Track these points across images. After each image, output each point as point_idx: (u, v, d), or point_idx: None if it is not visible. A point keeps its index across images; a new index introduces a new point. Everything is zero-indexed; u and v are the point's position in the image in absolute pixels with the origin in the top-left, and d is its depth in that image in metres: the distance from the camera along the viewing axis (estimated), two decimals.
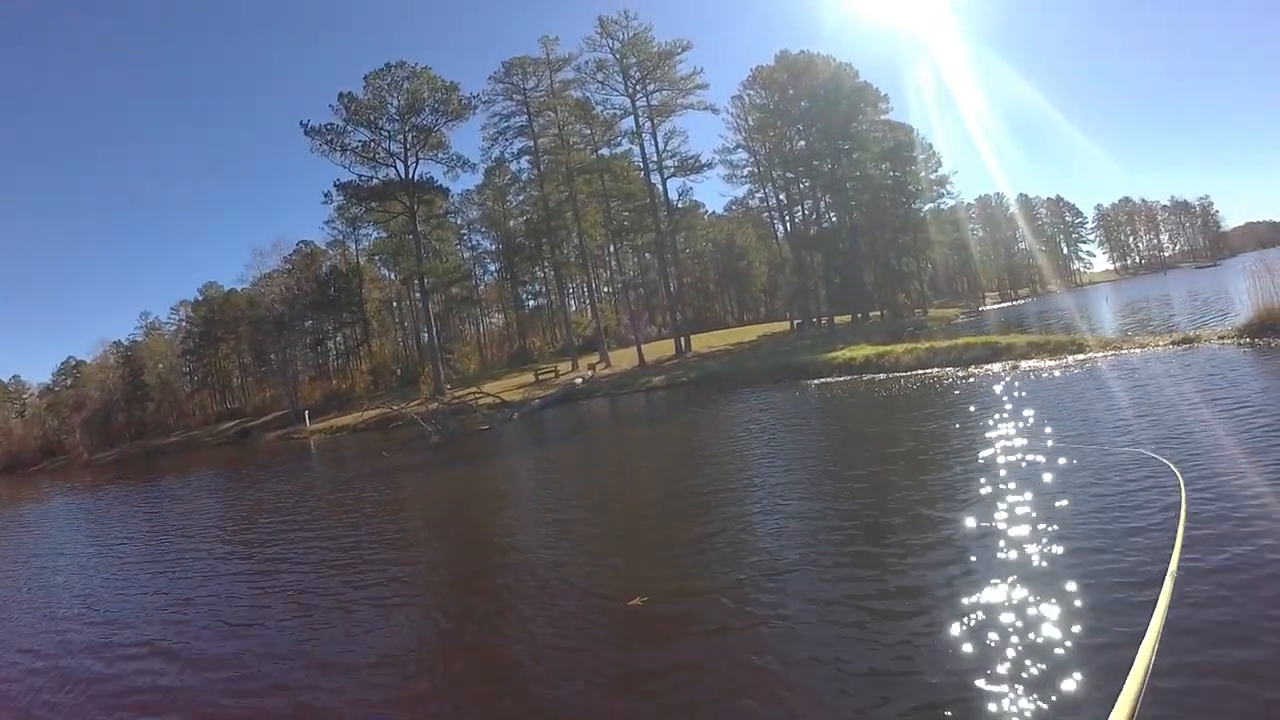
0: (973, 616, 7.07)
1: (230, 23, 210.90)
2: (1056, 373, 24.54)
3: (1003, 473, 12.42)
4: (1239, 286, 34.65)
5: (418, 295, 77.01)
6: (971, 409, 19.89)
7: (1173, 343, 26.37)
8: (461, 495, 21.58)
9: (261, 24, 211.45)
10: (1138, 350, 26.34)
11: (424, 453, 32.66)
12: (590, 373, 60.48)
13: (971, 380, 26.16)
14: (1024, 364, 27.75)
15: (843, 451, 18.12)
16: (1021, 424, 16.48)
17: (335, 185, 69.36)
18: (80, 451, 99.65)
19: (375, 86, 65.98)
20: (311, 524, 19.35)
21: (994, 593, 7.52)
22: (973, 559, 8.66)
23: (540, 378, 63.33)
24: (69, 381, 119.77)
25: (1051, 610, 6.89)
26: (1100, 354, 26.88)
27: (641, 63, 67.49)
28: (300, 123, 66.20)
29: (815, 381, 34.75)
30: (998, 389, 22.64)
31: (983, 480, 12.11)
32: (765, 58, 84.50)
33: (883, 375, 32.20)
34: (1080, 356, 27.03)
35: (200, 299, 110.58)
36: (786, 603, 8.38)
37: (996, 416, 17.86)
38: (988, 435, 15.81)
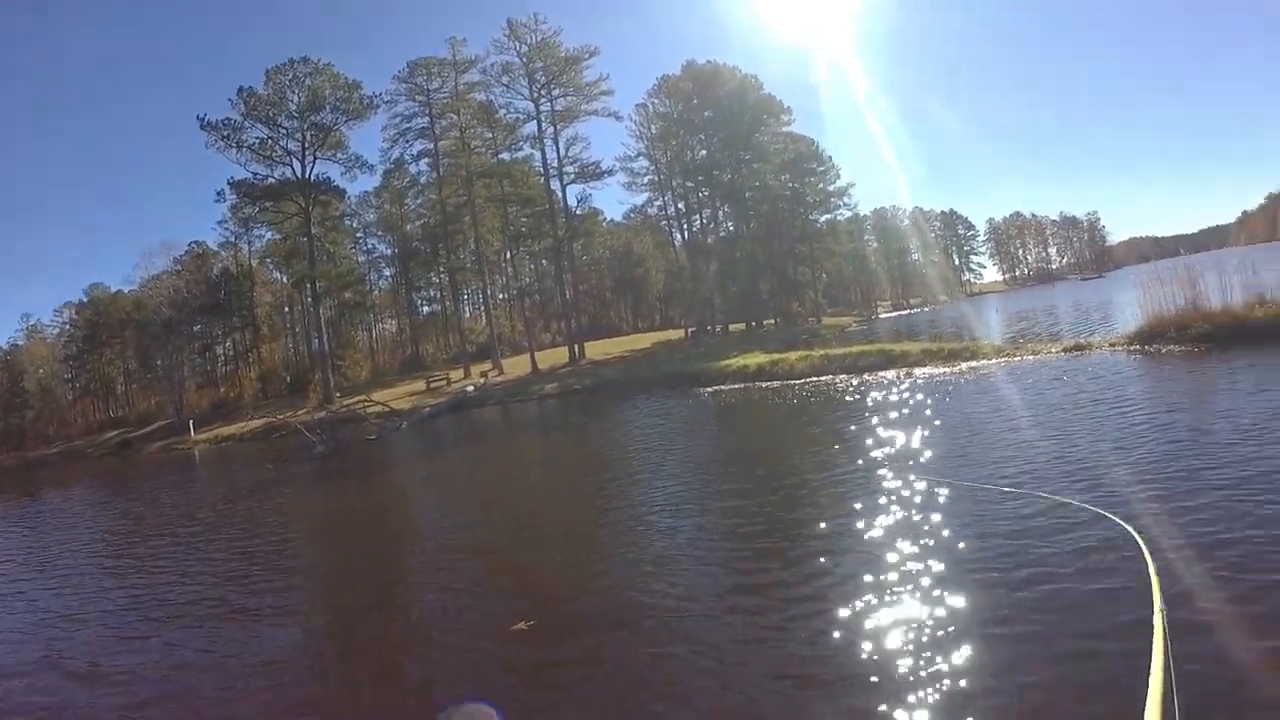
0: (852, 616, 7.26)
1: (129, 14, 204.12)
2: (950, 379, 24.25)
3: (888, 476, 12.58)
4: (1125, 296, 35.14)
5: (309, 300, 74.30)
6: (863, 415, 19.67)
7: (1064, 350, 26.41)
8: (343, 509, 20.46)
9: (159, 17, 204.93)
10: (1031, 357, 26.35)
11: (308, 463, 31.33)
12: (483, 380, 59.12)
13: (865, 387, 25.73)
14: (918, 371, 27.51)
15: (735, 459, 17.59)
16: (912, 429, 16.43)
17: (229, 183, 66.74)
18: None
19: (276, 82, 63.35)
20: (193, 541, 17.99)
21: (868, 591, 7.80)
22: (857, 561, 8.82)
23: (432, 385, 60.99)
24: None
25: (908, 600, 7.45)
26: (993, 361, 26.76)
27: (548, 67, 66.36)
28: (197, 117, 62.47)
29: (709, 389, 34.13)
30: (891, 396, 22.38)
31: (867, 485, 12.27)
32: (673, 67, 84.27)
33: (776, 383, 31.85)
34: (974, 363, 26.91)
35: (85, 301, 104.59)
36: (679, 625, 7.92)
37: (888, 422, 17.75)
38: (877, 440, 15.94)
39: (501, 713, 5.56)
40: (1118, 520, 6.01)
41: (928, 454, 13.98)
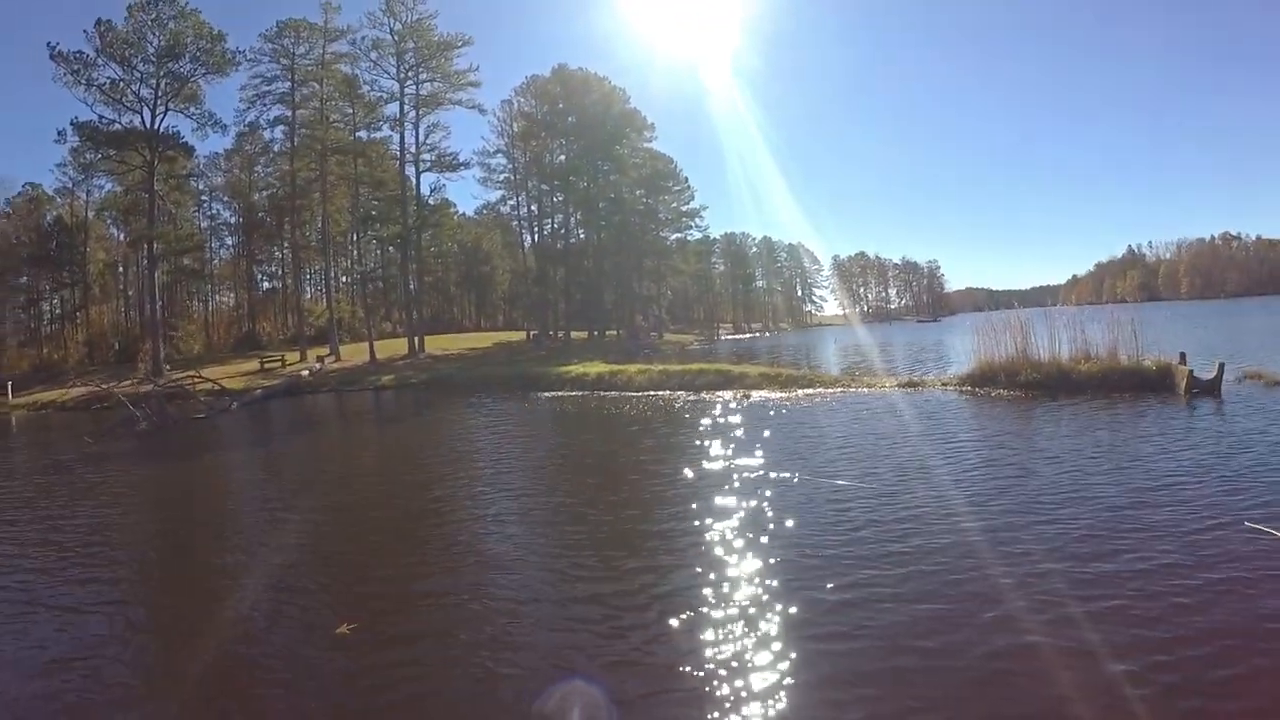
0: (684, 615, 7.71)
1: None
2: (785, 405, 24.69)
3: (709, 490, 13.16)
4: (958, 341, 36.38)
5: (145, 262, 71.09)
6: (696, 432, 20.09)
7: (899, 385, 27.17)
8: (164, 492, 19.26)
9: None
10: (866, 390, 27.04)
11: (131, 440, 29.65)
12: (319, 365, 57.46)
13: (701, 405, 26.05)
14: (755, 394, 27.83)
15: (570, 466, 17.51)
16: (740, 448, 16.97)
17: (72, 124, 62.07)
18: None
19: (137, 20, 58.68)
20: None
21: (695, 592, 8.34)
22: (684, 564, 9.42)
23: (266, 366, 58.97)
24: None
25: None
26: (830, 390, 27.36)
27: (419, 49, 65.59)
28: (47, 44, 58.09)
29: (547, 394, 34.01)
30: (727, 416, 22.66)
31: (692, 496, 12.84)
32: (544, 69, 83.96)
33: (614, 393, 31.89)
34: (809, 391, 27.44)
35: None
36: (510, 630, 7.81)
37: (718, 440, 18.15)
38: (707, 455, 16.52)
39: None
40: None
41: (753, 467, 14.62)
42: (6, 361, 77.46)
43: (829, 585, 8.13)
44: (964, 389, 24.95)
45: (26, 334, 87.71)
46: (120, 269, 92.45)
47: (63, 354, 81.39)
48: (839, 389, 27.45)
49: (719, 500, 12.30)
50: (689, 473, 14.74)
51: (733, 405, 25.29)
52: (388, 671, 6.99)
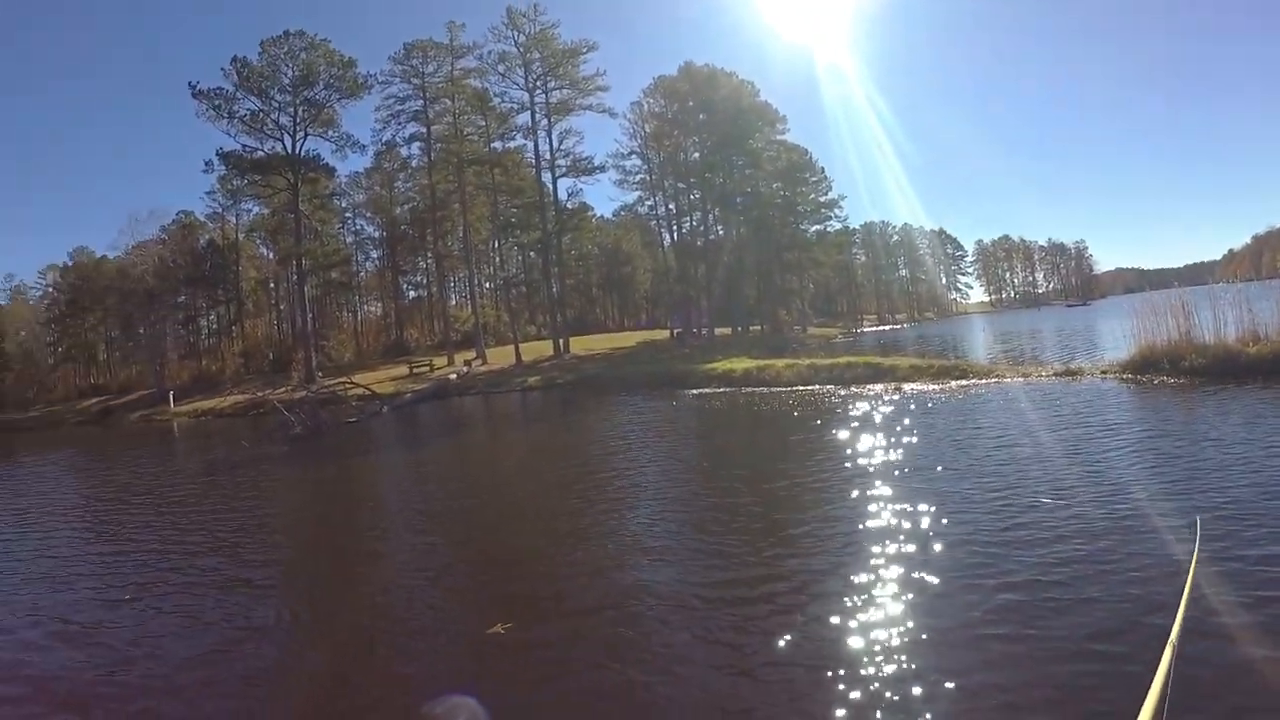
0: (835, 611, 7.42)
1: None
2: (938, 397, 23.73)
3: (874, 484, 12.55)
4: (1111, 325, 34.72)
5: (295, 277, 73.70)
6: (850, 426, 19.23)
7: (1056, 374, 25.98)
8: (319, 492, 19.91)
9: None
10: (1020, 379, 25.83)
11: (284, 444, 30.52)
12: (466, 369, 58.42)
13: (852, 400, 25.13)
14: (907, 386, 26.96)
15: (721, 461, 17.13)
16: (899, 442, 16.18)
17: (218, 154, 65.47)
18: None
19: (270, 54, 62.35)
20: (171, 512, 17.50)
21: (852, 587, 8.03)
22: (840, 560, 9.03)
23: (415, 371, 60.88)
24: None
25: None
26: (984, 381, 26.29)
27: (545, 59, 66.02)
28: (189, 84, 61.67)
29: (694, 391, 33.45)
30: (879, 410, 21.75)
31: (851, 491, 12.25)
32: (669, 69, 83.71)
33: (763, 389, 31.19)
34: (963, 382, 26.43)
35: (69, 264, 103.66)
36: (658, 630, 7.58)
37: (872, 434, 17.42)
38: (864, 450, 15.69)
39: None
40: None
41: (913, 465, 13.86)
42: (169, 373, 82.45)
43: (997, 586, 7.61)
44: (1124, 376, 23.50)
45: (186, 348, 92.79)
46: (271, 285, 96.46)
47: (220, 366, 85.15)
48: (993, 379, 26.38)
49: (877, 497, 11.69)
50: (846, 467, 14.18)
51: (885, 399, 24.37)
52: (540, 670, 6.94)
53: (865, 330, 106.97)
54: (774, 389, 30.74)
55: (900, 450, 15.20)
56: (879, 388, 27.46)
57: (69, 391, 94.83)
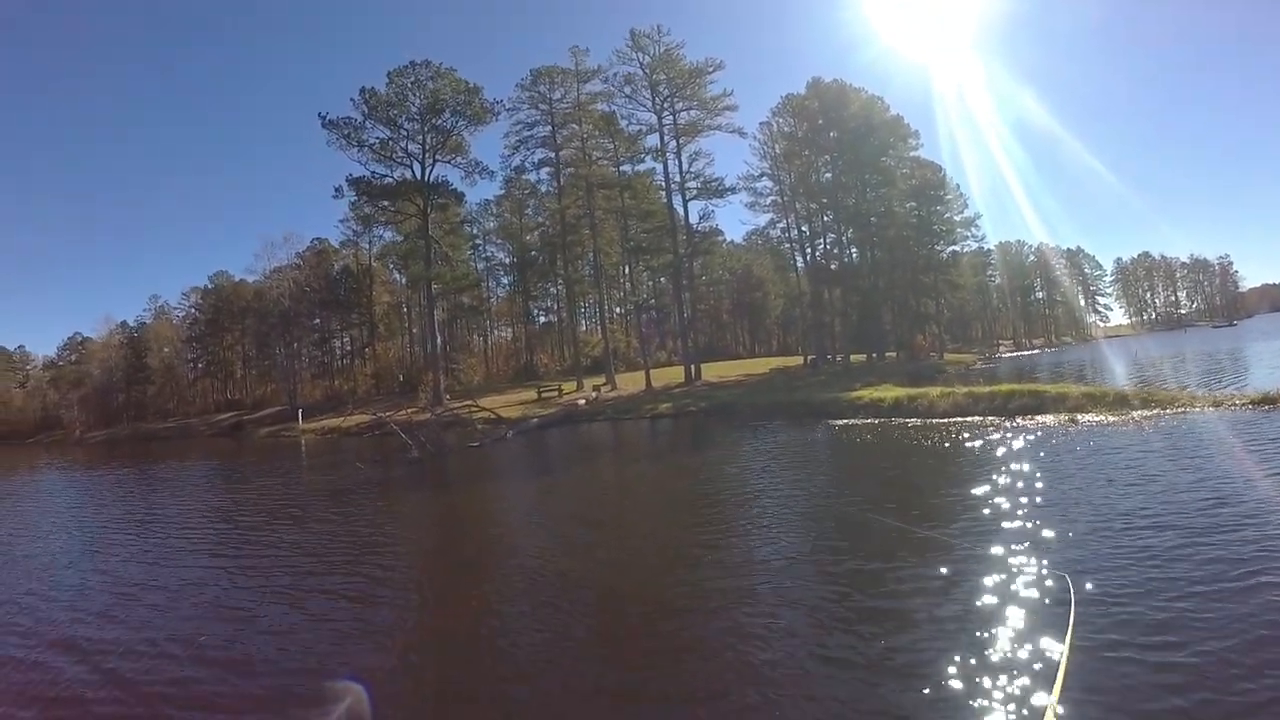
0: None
1: (263, 20, 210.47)
2: (1123, 430, 20.95)
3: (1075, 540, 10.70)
4: (1275, 346, 31.34)
5: (425, 301, 74.15)
6: (1033, 464, 16.92)
7: (1251, 403, 22.86)
8: (434, 519, 18.92)
9: (291, 22, 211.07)
10: (1211, 409, 22.89)
11: (403, 466, 29.59)
12: (595, 394, 56.88)
13: (1022, 432, 22.47)
14: (1082, 417, 24.05)
15: (884, 509, 14.07)
16: (1094, 484, 14.18)
17: (347, 180, 65.53)
18: (75, 428, 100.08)
19: (398, 84, 62.83)
20: (287, 528, 18.32)
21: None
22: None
23: (543, 395, 59.59)
24: (74, 357, 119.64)
25: None
26: (1169, 411, 23.40)
27: (671, 80, 64.45)
28: (319, 114, 62.43)
29: (838, 422, 30.66)
30: (1060, 445, 19.25)
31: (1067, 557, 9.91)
32: (795, 87, 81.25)
33: (915, 420, 28.44)
34: (1146, 413, 23.47)
35: (210, 287, 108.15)
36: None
37: (1060, 474, 15.41)
38: (1058, 496, 13.57)
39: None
40: None
41: (1158, 522, 11.16)
42: (301, 392, 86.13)
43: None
44: None
45: (319, 368, 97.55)
46: (404, 308, 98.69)
47: (351, 385, 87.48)
48: (1180, 409, 23.45)
49: (1087, 554, 9.81)
50: (1038, 514, 12.13)
51: (1061, 432, 21.68)
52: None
53: (1002, 355, 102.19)
54: (929, 420, 27.99)
55: (1122, 497, 12.80)
56: (1049, 419, 24.66)
57: (206, 405, 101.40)
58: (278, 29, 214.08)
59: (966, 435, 23.34)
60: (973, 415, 27.46)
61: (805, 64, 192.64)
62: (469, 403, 48.47)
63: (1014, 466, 16.81)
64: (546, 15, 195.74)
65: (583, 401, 52.73)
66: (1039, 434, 21.88)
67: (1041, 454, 18.23)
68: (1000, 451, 19.30)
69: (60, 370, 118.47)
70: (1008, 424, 24.67)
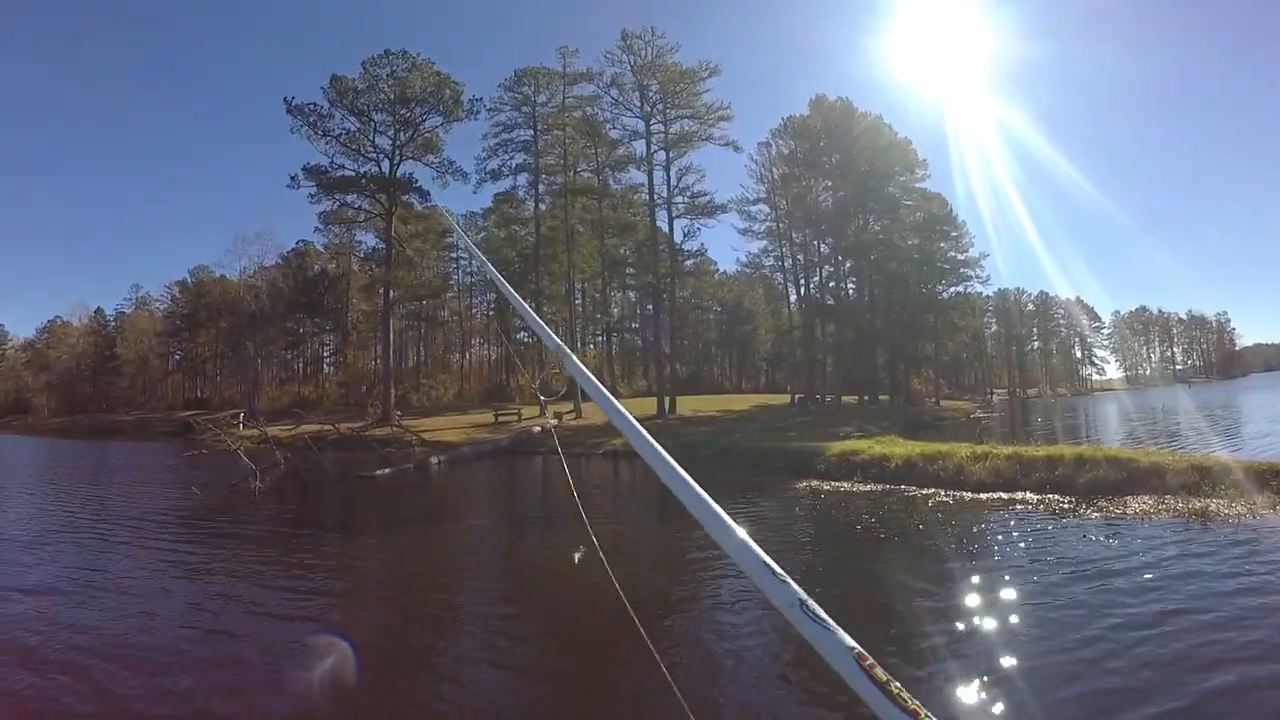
0: None
1: (250, 19, 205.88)
2: None
3: None
4: None
5: (382, 306, 65.73)
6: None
7: None
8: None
9: (277, 20, 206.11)
10: None
11: (241, 497, 22.52)
12: (556, 422, 48.10)
13: (1121, 532, 12.91)
14: (1212, 504, 14.39)
15: None
16: None
17: (303, 169, 57.51)
18: (43, 413, 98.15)
19: (371, 72, 55.73)
20: None
21: None
22: None
23: (500, 419, 51.72)
24: (48, 341, 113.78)
25: None
26: None
27: (663, 84, 56.25)
28: (284, 99, 55.39)
29: (826, 486, 20.59)
30: (1246, 580, 9.65)
31: None
32: (798, 109, 72.39)
33: (934, 491, 18.35)
34: None
35: (190, 281, 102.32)
36: None
37: None
38: None
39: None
40: None
41: None
42: (269, 395, 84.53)
43: None
44: None
45: (288, 372, 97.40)
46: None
47: (320, 393, 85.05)
48: None
49: None
50: None
51: (1199, 538, 12.13)
52: None
53: (994, 403, 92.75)
54: (959, 494, 17.80)
55: None
56: (1146, 503, 15.08)
57: (175, 401, 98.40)
58: (276, 27, 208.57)
59: (1027, 531, 13.65)
60: (1023, 491, 17.27)
61: (809, 90, 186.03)
62: (395, 424, 43.22)
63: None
64: (546, 18, 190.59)
65: (538, 429, 44.26)
66: (1149, 537, 12.41)
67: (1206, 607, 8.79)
68: (1154, 602, 9.50)
69: (37, 353, 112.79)
70: (1084, 511, 14.92)
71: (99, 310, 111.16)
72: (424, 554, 14.95)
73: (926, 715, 1.52)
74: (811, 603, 1.72)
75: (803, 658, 7.27)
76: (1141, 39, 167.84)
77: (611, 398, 2.56)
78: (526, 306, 3.66)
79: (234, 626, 9.95)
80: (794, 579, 1.73)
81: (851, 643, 1.65)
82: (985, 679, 7.01)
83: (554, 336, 3.24)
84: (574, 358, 3.07)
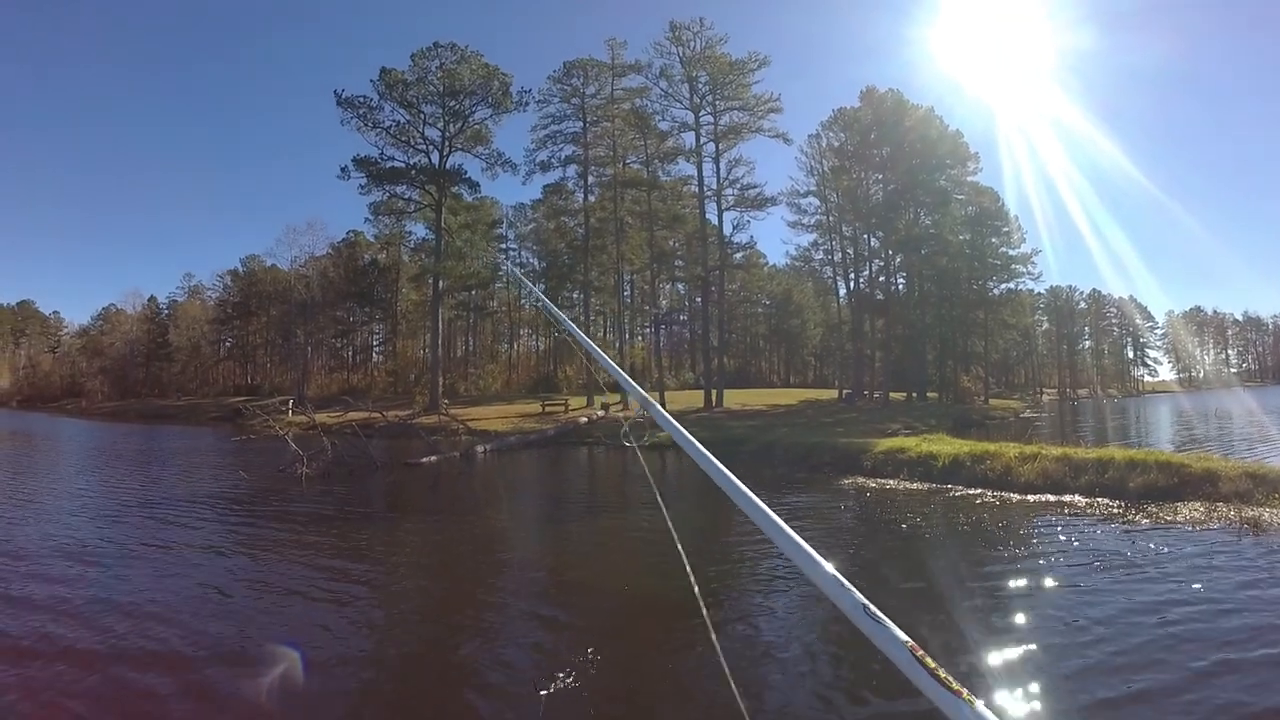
0: None
1: (300, 18, 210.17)
2: None
3: None
4: None
5: (430, 296, 67.24)
6: None
7: None
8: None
9: (327, 17, 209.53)
10: None
11: (288, 482, 22.85)
12: (602, 414, 47.56)
13: (1170, 538, 12.73)
14: (1259, 514, 14.10)
15: None
16: None
17: (354, 160, 57.99)
18: (97, 397, 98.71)
19: (420, 65, 56.18)
20: None
21: None
22: None
23: (547, 409, 51.86)
24: (103, 327, 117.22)
25: None
26: None
27: (712, 75, 56.16)
28: (334, 92, 56.39)
29: (872, 483, 20.51)
30: None
31: None
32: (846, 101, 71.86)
33: (982, 492, 18.19)
34: None
35: (241, 271, 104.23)
36: None
37: None
38: None
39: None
40: None
41: None
42: (318, 383, 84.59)
43: None
44: None
45: (337, 361, 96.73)
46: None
47: (369, 381, 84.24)
48: None
49: None
50: None
51: (1248, 546, 11.98)
52: None
53: (1045, 403, 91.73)
54: (1004, 494, 17.68)
55: None
56: (1198, 510, 14.81)
57: (226, 387, 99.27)
58: (327, 24, 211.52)
59: (1074, 534, 13.45)
60: (1071, 494, 17.14)
61: (858, 84, 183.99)
62: (443, 412, 42.70)
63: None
64: (594, 11, 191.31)
65: (585, 420, 44.65)
66: (1198, 544, 12.22)
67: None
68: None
69: (91, 339, 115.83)
70: (1134, 516, 14.71)
71: (152, 298, 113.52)
72: (467, 536, 15.18)
73: (969, 696, 1.72)
74: (873, 607, 1.95)
75: (847, 639, 7.51)
76: (1203, 26, 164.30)
77: (695, 441, 2.68)
78: (606, 356, 3.86)
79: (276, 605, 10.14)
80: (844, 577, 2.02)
81: (905, 637, 1.87)
82: (1027, 673, 7.06)
83: (638, 387, 3.33)
84: (658, 406, 3.17)
